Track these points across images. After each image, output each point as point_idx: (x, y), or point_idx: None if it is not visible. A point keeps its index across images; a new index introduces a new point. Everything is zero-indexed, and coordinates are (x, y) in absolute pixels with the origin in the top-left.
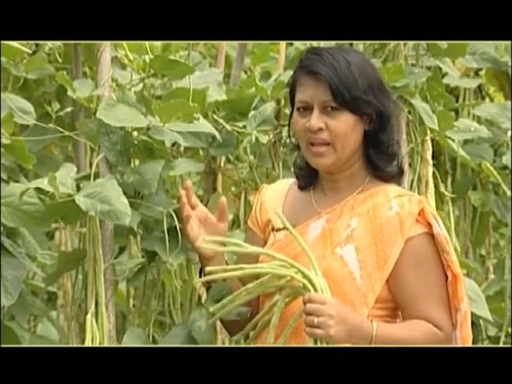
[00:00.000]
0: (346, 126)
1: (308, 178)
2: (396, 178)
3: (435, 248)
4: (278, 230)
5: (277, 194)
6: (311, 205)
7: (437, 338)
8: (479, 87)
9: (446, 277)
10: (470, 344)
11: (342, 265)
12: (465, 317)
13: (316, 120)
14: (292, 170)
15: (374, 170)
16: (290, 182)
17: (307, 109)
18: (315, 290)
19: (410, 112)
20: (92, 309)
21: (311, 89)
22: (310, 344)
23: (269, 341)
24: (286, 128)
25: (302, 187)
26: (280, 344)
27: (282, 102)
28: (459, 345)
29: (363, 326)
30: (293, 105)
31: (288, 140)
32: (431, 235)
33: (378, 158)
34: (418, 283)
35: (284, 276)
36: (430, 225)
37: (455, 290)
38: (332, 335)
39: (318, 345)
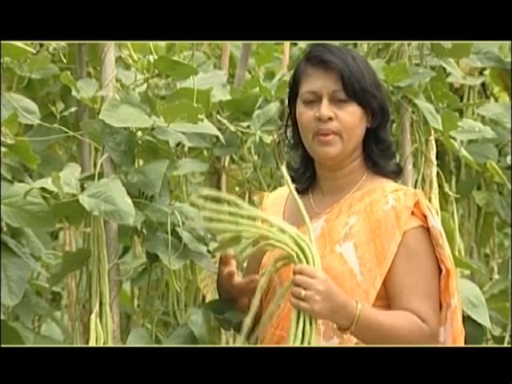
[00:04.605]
0: (354, 118)
1: (304, 179)
2: (394, 175)
3: (429, 242)
4: None
5: (276, 200)
6: (311, 207)
7: (422, 331)
8: (483, 87)
9: (441, 271)
10: (462, 341)
11: (342, 262)
12: (454, 312)
13: (326, 109)
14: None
15: (374, 166)
16: None
17: (315, 100)
18: (307, 261)
19: (414, 112)
20: (96, 309)
21: (321, 79)
22: (294, 316)
23: (254, 302)
24: (290, 128)
25: (300, 191)
26: (269, 311)
27: (287, 102)
28: (449, 344)
29: (348, 306)
30: (293, 101)
31: (291, 139)
32: (426, 229)
33: (379, 156)
34: (406, 275)
35: (280, 241)
36: (425, 217)
37: (447, 284)
38: (316, 310)
39: (301, 317)
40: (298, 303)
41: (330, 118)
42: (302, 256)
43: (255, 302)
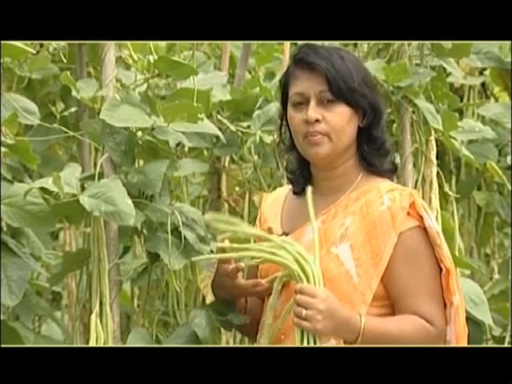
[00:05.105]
0: (342, 118)
1: (301, 181)
2: (390, 173)
3: (428, 241)
4: (279, 236)
5: (275, 202)
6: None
7: (428, 334)
8: (483, 87)
9: (441, 270)
10: (465, 339)
11: (338, 264)
12: (457, 311)
13: (313, 111)
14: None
15: (368, 165)
16: (288, 188)
17: (303, 102)
18: (307, 280)
19: (414, 112)
20: (96, 309)
21: (307, 80)
22: (297, 334)
23: (267, 323)
24: (285, 128)
25: (297, 193)
26: (277, 327)
27: (280, 105)
28: (454, 343)
29: (351, 321)
30: (285, 104)
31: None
32: (423, 229)
33: (372, 155)
34: (409, 278)
35: (280, 259)
36: (421, 217)
37: (448, 283)
38: (319, 329)
39: (305, 336)
40: (300, 323)
41: (318, 120)
42: (302, 275)
43: (268, 323)
